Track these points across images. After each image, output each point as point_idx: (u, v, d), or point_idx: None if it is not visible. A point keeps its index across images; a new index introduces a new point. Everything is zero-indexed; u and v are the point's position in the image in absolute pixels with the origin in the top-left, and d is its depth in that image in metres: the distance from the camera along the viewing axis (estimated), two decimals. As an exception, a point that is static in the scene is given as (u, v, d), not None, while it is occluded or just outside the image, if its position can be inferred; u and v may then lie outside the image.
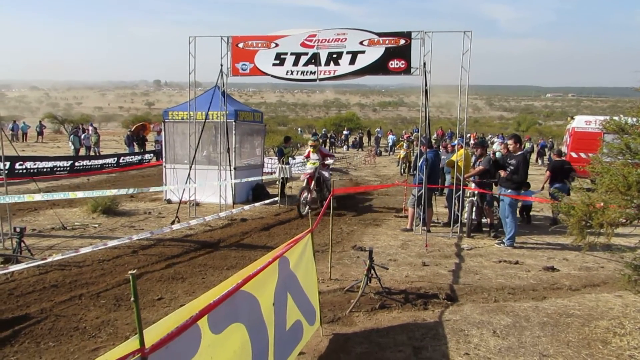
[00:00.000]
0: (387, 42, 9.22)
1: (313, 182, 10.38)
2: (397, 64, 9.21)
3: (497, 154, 10.12)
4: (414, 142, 21.21)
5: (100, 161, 19.64)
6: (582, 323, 4.68)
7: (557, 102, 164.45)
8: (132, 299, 1.71)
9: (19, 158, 14.71)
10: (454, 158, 9.62)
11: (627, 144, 4.28)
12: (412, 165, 10.50)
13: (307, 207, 10.09)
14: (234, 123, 11.36)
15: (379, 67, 9.35)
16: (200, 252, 7.29)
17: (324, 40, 9.53)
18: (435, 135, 31.97)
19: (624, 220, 4.26)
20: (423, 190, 8.63)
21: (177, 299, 5.27)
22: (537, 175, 16.85)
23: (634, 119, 4.42)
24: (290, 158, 13.56)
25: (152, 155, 23.03)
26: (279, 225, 9.43)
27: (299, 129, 47.15)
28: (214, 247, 7.62)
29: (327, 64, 9.55)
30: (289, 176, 12.31)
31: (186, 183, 10.04)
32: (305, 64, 9.66)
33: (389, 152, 32.98)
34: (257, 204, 10.13)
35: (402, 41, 9.14)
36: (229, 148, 10.92)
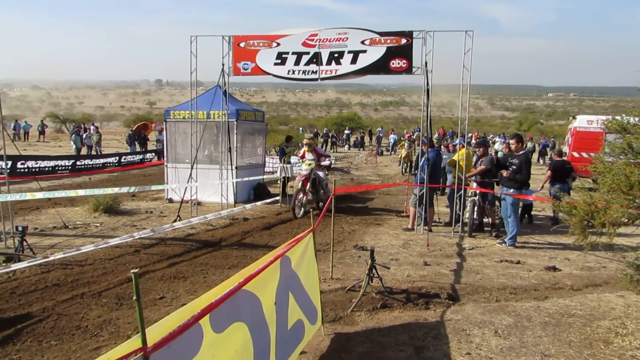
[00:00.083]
0: (388, 41, 9.21)
1: (308, 183, 10.16)
2: (398, 64, 9.20)
3: (499, 154, 10.11)
4: (416, 142, 21.20)
5: (102, 160, 19.65)
6: (584, 323, 4.67)
7: (559, 101, 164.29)
8: (135, 297, 1.71)
9: (20, 157, 14.75)
10: (455, 157, 9.62)
11: (630, 144, 4.27)
12: (413, 164, 10.47)
13: (303, 210, 9.95)
14: (235, 122, 11.36)
15: (380, 67, 9.33)
16: (202, 251, 7.29)
17: (325, 40, 9.52)
18: (436, 134, 31.93)
19: (626, 220, 4.25)
20: (424, 190, 8.63)
21: (178, 298, 5.27)
22: (539, 174, 16.81)
23: (636, 119, 4.41)
24: (291, 157, 13.56)
25: (153, 154, 23.04)
26: (281, 225, 9.43)
27: (301, 129, 47.13)
28: (215, 246, 7.63)
29: (328, 63, 9.54)
30: (290, 175, 12.28)
31: (187, 182, 10.04)
32: (307, 64, 9.65)
33: (390, 152, 32.98)
34: (258, 203, 10.13)
35: (404, 40, 9.13)
36: (230, 147, 10.92)
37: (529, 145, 28.21)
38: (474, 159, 9.71)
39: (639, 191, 3.99)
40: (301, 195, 10.05)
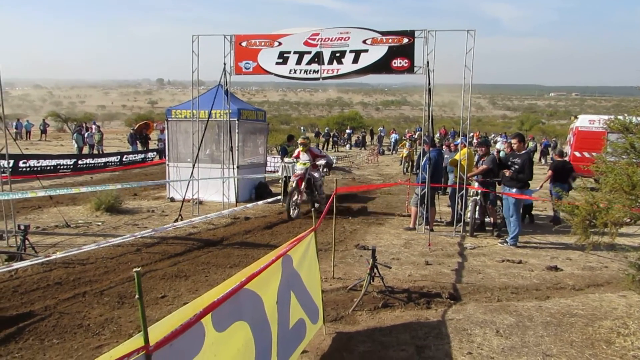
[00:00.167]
0: (390, 40, 9.20)
1: (303, 183, 10.02)
2: (400, 63, 9.19)
3: (501, 153, 10.09)
4: (417, 141, 21.18)
5: (104, 159, 19.70)
6: (585, 323, 4.66)
7: (561, 101, 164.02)
8: (137, 296, 1.72)
9: (22, 156, 14.80)
10: (457, 157, 9.61)
11: (632, 143, 4.27)
12: (415, 164, 10.47)
13: (297, 210, 9.86)
14: (237, 122, 11.36)
15: (382, 66, 9.32)
16: (204, 250, 7.30)
17: (327, 39, 9.52)
18: (438, 134, 31.91)
19: (628, 220, 4.25)
20: (426, 189, 8.62)
21: (180, 297, 5.28)
22: (541, 174, 16.77)
23: (639, 118, 4.41)
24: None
25: (155, 153, 23.08)
26: (282, 224, 9.43)
27: (302, 128, 47.16)
28: (217, 246, 7.63)
29: (330, 62, 9.53)
30: (291, 175, 12.27)
31: (190, 178, 10.03)
32: (309, 63, 9.65)
33: (391, 151, 32.98)
34: (260, 203, 10.13)
35: (406, 40, 9.12)
36: (232, 146, 10.92)
37: (531, 145, 28.20)
38: (476, 158, 9.70)
39: (641, 191, 3.98)
40: (295, 196, 9.90)
